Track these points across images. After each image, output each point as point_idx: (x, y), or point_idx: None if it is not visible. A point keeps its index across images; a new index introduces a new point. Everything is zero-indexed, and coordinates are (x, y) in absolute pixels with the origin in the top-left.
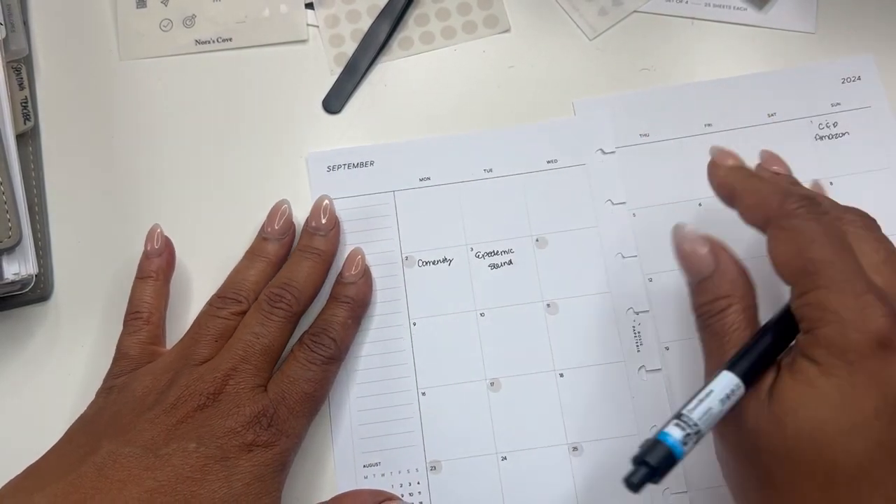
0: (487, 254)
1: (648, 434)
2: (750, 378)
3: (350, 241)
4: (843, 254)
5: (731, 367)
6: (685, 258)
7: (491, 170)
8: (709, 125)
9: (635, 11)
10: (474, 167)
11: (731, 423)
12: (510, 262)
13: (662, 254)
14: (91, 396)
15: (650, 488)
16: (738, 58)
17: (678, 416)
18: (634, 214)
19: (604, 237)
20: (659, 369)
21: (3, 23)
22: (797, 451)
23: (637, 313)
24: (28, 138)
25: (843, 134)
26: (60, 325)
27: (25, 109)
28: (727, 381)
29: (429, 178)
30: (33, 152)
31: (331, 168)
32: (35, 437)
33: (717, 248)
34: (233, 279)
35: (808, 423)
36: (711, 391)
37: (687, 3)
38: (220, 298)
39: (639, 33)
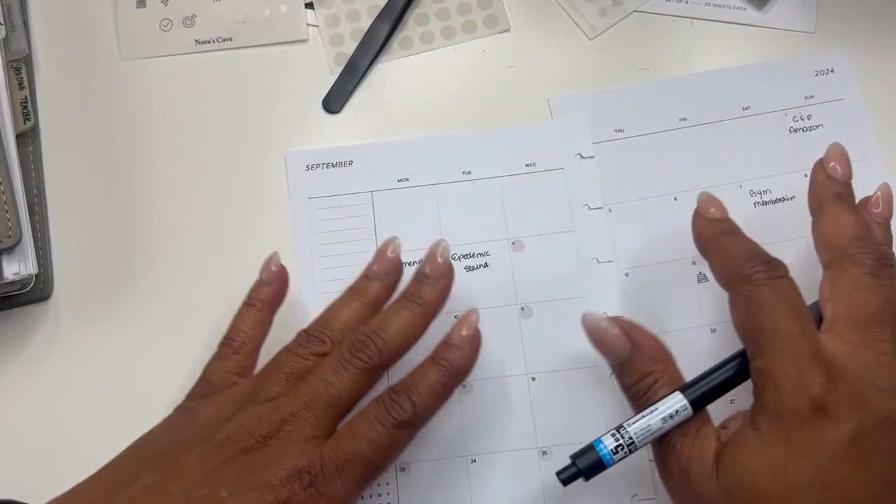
0: (463, 256)
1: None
2: (698, 403)
3: (326, 241)
4: (789, 321)
5: (682, 389)
6: (600, 344)
7: (469, 172)
8: (683, 119)
9: (635, 11)
10: (453, 169)
11: (684, 491)
12: (486, 265)
13: (638, 252)
14: (91, 396)
15: (619, 494)
16: (738, 58)
17: (618, 427)
18: (610, 210)
19: (580, 242)
20: None
21: (2, 23)
22: None
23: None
24: (28, 138)
25: (817, 126)
26: (60, 325)
27: (25, 109)
28: (674, 402)
29: (407, 179)
30: (33, 152)
31: (309, 167)
32: (35, 437)
33: (629, 328)
34: (323, 316)
35: (753, 495)
36: (655, 409)
37: (687, 3)
38: (306, 335)
39: (639, 33)
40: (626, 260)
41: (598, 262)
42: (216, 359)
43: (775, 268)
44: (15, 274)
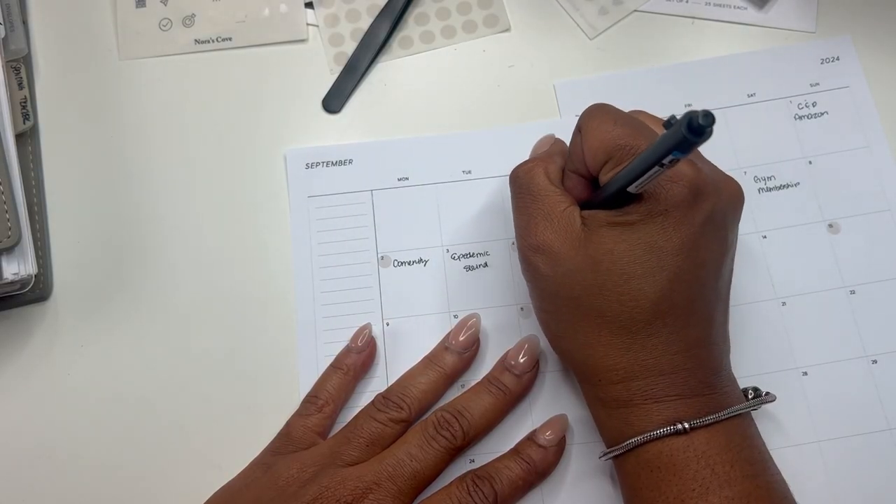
0: (463, 255)
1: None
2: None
3: (326, 240)
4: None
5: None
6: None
7: (470, 171)
8: (689, 105)
9: (636, 11)
10: (453, 168)
11: (541, 272)
12: (486, 265)
13: None
14: (91, 396)
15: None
16: (737, 57)
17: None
18: None
19: None
20: None
21: (2, 22)
22: (607, 286)
23: None
24: (28, 138)
25: (822, 114)
26: (60, 325)
27: (25, 109)
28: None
29: (407, 178)
30: (33, 152)
31: (309, 165)
32: (35, 437)
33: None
34: (401, 382)
35: (620, 260)
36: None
37: (687, 2)
38: (384, 399)
39: (639, 33)
40: None
41: None
42: (298, 414)
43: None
44: (14, 274)
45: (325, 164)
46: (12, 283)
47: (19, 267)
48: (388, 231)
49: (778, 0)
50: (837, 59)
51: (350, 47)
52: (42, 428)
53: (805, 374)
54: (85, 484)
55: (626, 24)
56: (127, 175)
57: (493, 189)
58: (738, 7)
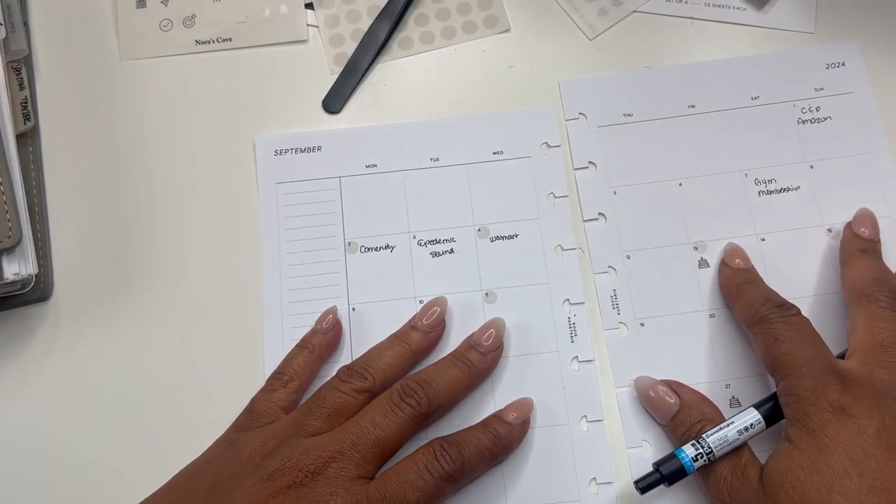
0: (430, 242)
1: (578, 423)
2: (771, 418)
3: (293, 226)
4: (803, 346)
5: (756, 406)
6: (652, 404)
7: (437, 159)
8: (692, 106)
9: (635, 11)
10: (421, 156)
11: None
12: (452, 251)
13: (640, 234)
14: (91, 396)
15: (578, 477)
16: (737, 58)
17: (697, 438)
18: (615, 192)
19: (545, 229)
20: (591, 360)
21: (2, 23)
22: None
23: (573, 304)
24: (28, 138)
25: (826, 119)
26: (60, 325)
27: (25, 109)
28: (749, 416)
29: (375, 166)
30: (33, 152)
31: (278, 152)
32: (35, 437)
33: (676, 386)
34: (367, 355)
35: (795, 493)
36: (731, 422)
37: (687, 3)
38: (348, 370)
39: (639, 33)
40: (629, 242)
41: (563, 250)
42: (264, 391)
43: (788, 308)
44: (15, 274)
45: (293, 150)
46: (13, 283)
47: (20, 267)
48: (356, 217)
49: (777, 1)
50: (843, 64)
51: (350, 48)
52: (43, 428)
53: None
54: (85, 484)
55: (625, 24)
56: (127, 175)
57: (460, 176)
58: (738, 8)
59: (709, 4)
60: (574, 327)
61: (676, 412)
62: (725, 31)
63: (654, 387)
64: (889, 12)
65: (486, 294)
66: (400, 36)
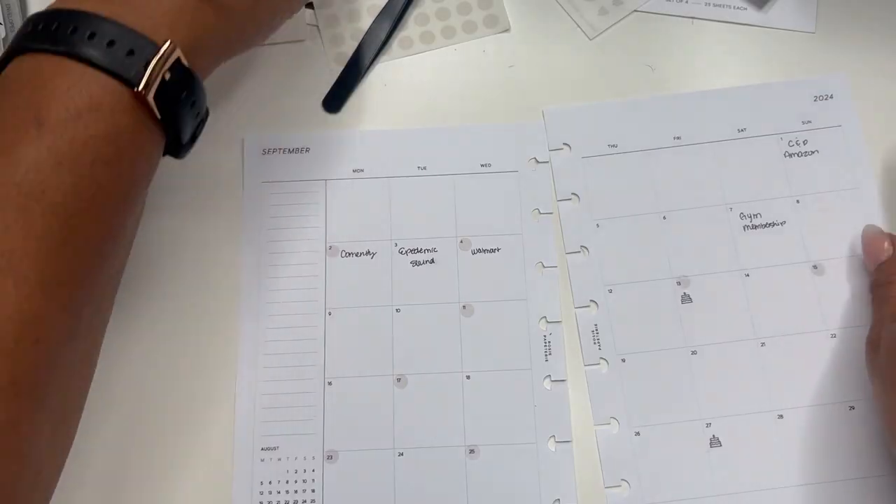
0: (411, 250)
1: (545, 443)
2: None
3: (276, 226)
4: None
5: None
6: (867, 245)
7: (425, 168)
8: (678, 138)
9: (635, 11)
10: (408, 163)
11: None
12: (432, 261)
13: (624, 269)
14: (91, 396)
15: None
16: (737, 57)
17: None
18: (598, 225)
19: (527, 245)
20: (564, 380)
21: (2, 22)
22: None
23: (549, 322)
24: None
25: (813, 152)
26: None
27: None
28: None
29: (362, 171)
30: None
31: (266, 151)
32: None
33: (894, 239)
34: None
35: None
36: None
37: (687, 2)
38: None
39: (639, 33)
40: (611, 275)
41: (544, 267)
42: None
43: None
44: None
45: (281, 150)
46: None
47: None
48: (339, 221)
49: (778, 0)
50: (831, 97)
51: (350, 47)
52: None
53: (780, 416)
54: (86, 484)
55: (625, 24)
56: None
57: (446, 186)
58: (738, 7)
59: (709, 4)
60: (549, 346)
61: (882, 261)
62: (726, 31)
63: (878, 233)
64: (882, 14)
65: (464, 307)
66: (400, 35)
